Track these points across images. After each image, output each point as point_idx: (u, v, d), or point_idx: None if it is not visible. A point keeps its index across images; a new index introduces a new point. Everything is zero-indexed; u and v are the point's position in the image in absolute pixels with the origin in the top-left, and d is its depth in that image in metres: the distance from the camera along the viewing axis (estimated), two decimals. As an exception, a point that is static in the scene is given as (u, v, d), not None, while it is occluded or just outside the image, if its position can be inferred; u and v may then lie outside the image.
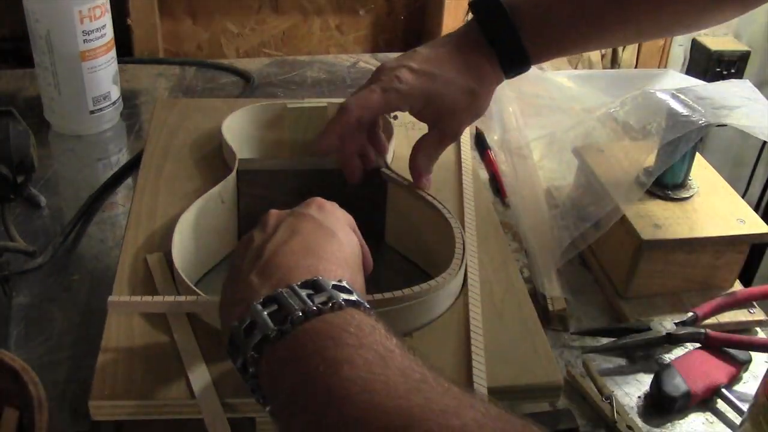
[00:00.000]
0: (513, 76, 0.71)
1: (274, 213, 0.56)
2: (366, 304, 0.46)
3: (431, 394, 0.39)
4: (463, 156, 0.83)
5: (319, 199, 0.57)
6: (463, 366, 0.58)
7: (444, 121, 0.71)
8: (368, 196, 0.75)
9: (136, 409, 0.55)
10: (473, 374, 0.57)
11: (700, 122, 0.71)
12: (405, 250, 0.76)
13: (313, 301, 0.44)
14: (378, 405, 0.38)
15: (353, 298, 0.45)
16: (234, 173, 0.73)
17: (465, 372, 0.58)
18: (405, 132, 0.86)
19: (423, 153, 0.72)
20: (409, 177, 0.74)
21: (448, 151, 0.84)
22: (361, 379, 0.39)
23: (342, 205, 0.75)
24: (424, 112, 0.70)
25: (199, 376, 0.56)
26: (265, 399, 0.45)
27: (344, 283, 0.46)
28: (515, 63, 0.70)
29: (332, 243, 0.52)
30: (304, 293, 0.45)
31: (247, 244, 0.53)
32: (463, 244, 0.67)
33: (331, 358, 0.41)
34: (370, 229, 0.77)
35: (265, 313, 0.44)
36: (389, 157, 0.78)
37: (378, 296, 0.59)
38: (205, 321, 0.61)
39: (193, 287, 0.61)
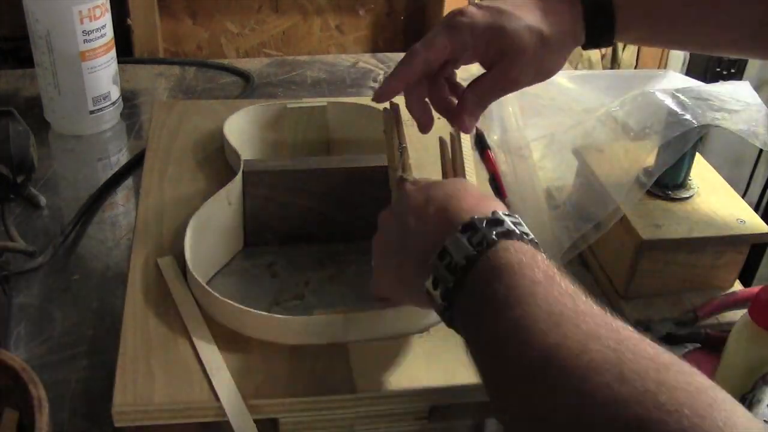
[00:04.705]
0: (593, 46, 0.67)
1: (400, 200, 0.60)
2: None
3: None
4: (463, 156, 0.82)
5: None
6: (464, 366, 0.59)
7: (504, 62, 0.64)
8: (372, 196, 0.75)
9: (159, 413, 0.54)
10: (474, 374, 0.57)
11: (698, 123, 0.71)
12: (405, 250, 0.76)
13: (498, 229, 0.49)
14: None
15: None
16: (240, 175, 0.73)
17: (466, 372, 0.58)
18: (405, 132, 0.86)
19: (473, 93, 0.66)
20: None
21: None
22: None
23: (347, 205, 0.76)
24: (488, 51, 0.64)
25: (222, 378, 0.56)
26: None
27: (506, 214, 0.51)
28: (599, 16, 0.64)
29: (467, 187, 0.55)
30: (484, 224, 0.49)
31: (391, 220, 0.59)
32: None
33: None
34: (374, 228, 0.77)
35: (464, 239, 0.48)
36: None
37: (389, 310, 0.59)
38: (220, 322, 0.61)
39: (208, 288, 0.61)
